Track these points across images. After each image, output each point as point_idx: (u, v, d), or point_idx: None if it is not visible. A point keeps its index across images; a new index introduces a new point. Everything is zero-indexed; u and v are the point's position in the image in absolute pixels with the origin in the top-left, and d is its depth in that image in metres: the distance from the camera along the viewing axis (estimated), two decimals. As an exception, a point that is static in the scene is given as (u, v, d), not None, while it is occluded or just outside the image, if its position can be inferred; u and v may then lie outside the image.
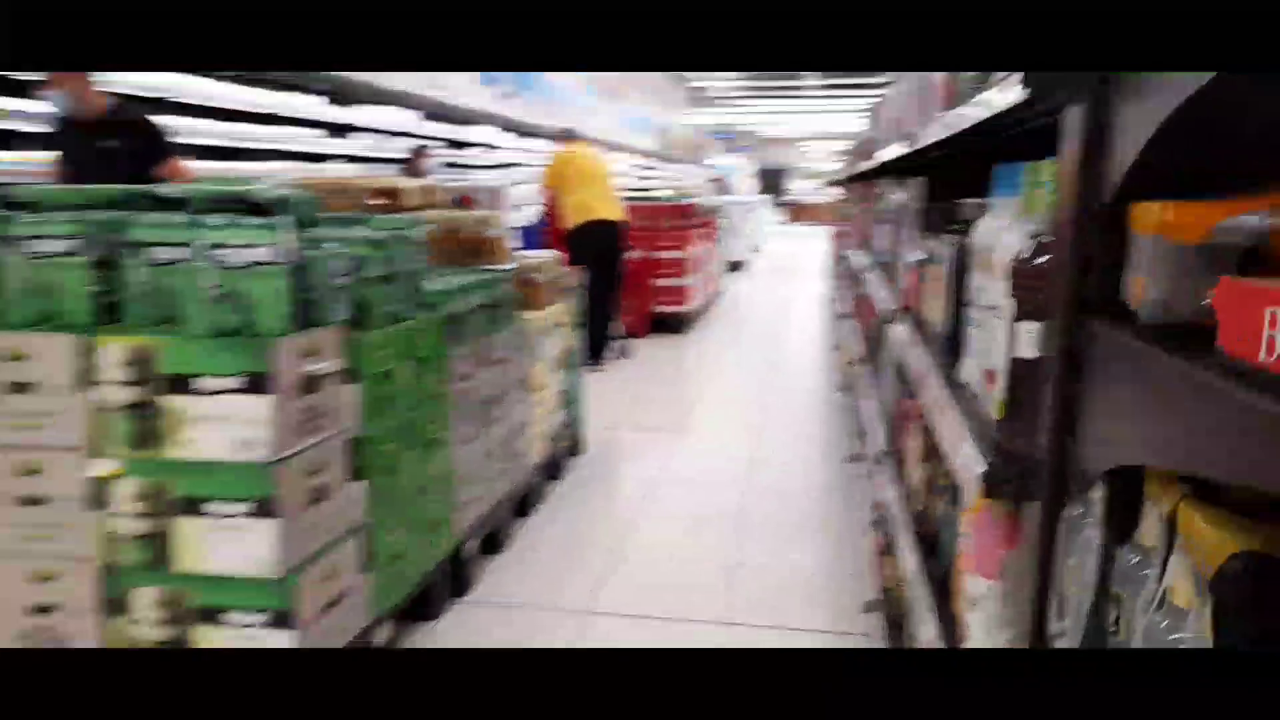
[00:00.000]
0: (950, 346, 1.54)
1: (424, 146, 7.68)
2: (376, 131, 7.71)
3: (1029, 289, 0.98)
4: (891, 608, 2.37)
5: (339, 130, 7.19)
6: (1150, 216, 0.80)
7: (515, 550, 3.21)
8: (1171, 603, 0.69)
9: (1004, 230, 1.31)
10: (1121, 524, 0.85)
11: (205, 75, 5.52)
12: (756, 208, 16.06)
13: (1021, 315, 0.99)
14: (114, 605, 2.01)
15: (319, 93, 6.89)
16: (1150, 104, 0.78)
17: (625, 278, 6.50)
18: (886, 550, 2.48)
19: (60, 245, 2.04)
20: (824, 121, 26.99)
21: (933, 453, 1.81)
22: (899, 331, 2.14)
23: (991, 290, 1.35)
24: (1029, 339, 0.98)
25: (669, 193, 9.58)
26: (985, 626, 1.20)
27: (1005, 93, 1.03)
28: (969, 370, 1.49)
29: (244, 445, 1.90)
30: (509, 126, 10.78)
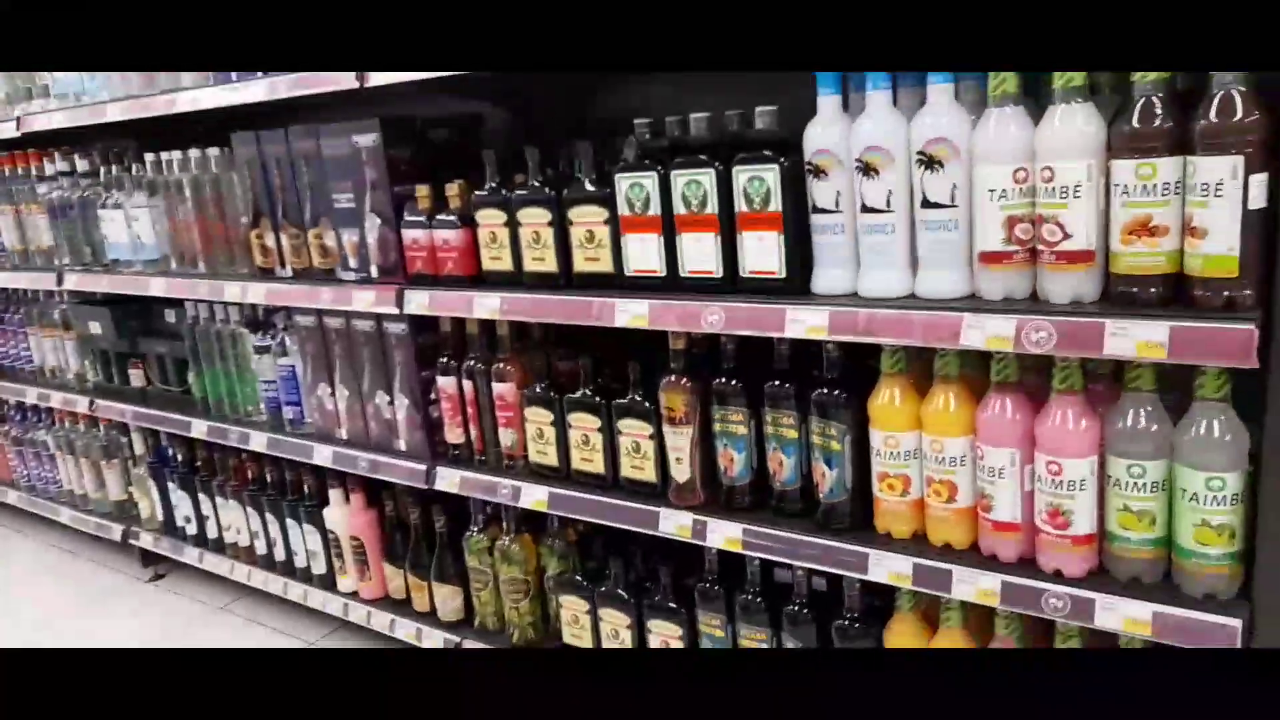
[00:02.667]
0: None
1: None
2: None
3: (1241, 145, 1.08)
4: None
5: None
6: None
7: None
8: None
9: (955, 121, 1.25)
10: None
11: None
12: None
13: (1255, 169, 1.10)
14: None
15: None
16: None
17: None
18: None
19: None
20: None
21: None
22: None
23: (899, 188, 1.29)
24: (1262, 191, 1.10)
25: None
26: (1089, 509, 1.18)
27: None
28: (834, 279, 1.42)
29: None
30: None
